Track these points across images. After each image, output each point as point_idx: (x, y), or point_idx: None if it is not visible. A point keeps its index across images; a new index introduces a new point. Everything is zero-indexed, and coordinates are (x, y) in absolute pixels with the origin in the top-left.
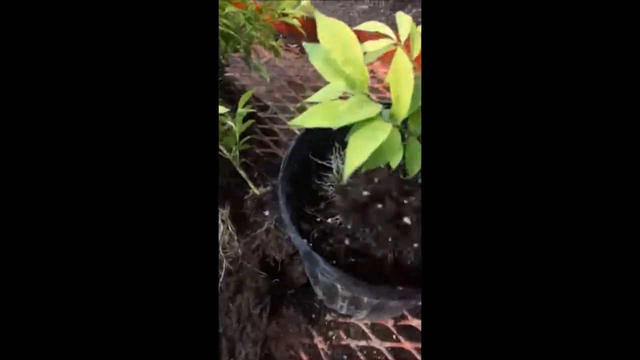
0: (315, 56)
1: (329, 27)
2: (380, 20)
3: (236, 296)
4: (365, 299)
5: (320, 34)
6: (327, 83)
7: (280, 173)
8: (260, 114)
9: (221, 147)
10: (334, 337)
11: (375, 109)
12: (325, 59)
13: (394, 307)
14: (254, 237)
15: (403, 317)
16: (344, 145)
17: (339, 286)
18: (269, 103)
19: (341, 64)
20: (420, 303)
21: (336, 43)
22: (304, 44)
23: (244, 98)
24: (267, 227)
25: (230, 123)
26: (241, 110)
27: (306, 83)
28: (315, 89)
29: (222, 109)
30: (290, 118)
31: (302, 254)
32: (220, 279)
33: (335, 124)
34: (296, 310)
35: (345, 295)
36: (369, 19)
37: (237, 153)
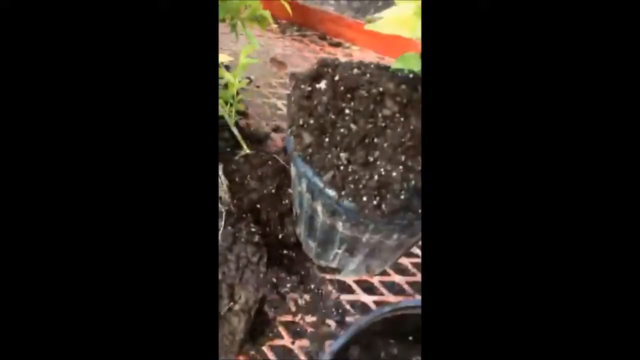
0: None
1: None
2: None
3: (233, 246)
4: (364, 238)
5: None
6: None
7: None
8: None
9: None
10: (322, 293)
11: None
12: None
13: (389, 249)
14: (249, 191)
15: (386, 273)
16: None
17: (340, 225)
18: (252, 77)
19: None
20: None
21: None
22: None
23: (246, 49)
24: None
25: (228, 76)
26: (244, 61)
27: (286, 60)
28: (297, 66)
29: (223, 57)
30: (273, 93)
31: (316, 193)
32: (220, 230)
33: (412, 34)
34: (287, 267)
35: (344, 236)
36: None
37: (234, 110)
